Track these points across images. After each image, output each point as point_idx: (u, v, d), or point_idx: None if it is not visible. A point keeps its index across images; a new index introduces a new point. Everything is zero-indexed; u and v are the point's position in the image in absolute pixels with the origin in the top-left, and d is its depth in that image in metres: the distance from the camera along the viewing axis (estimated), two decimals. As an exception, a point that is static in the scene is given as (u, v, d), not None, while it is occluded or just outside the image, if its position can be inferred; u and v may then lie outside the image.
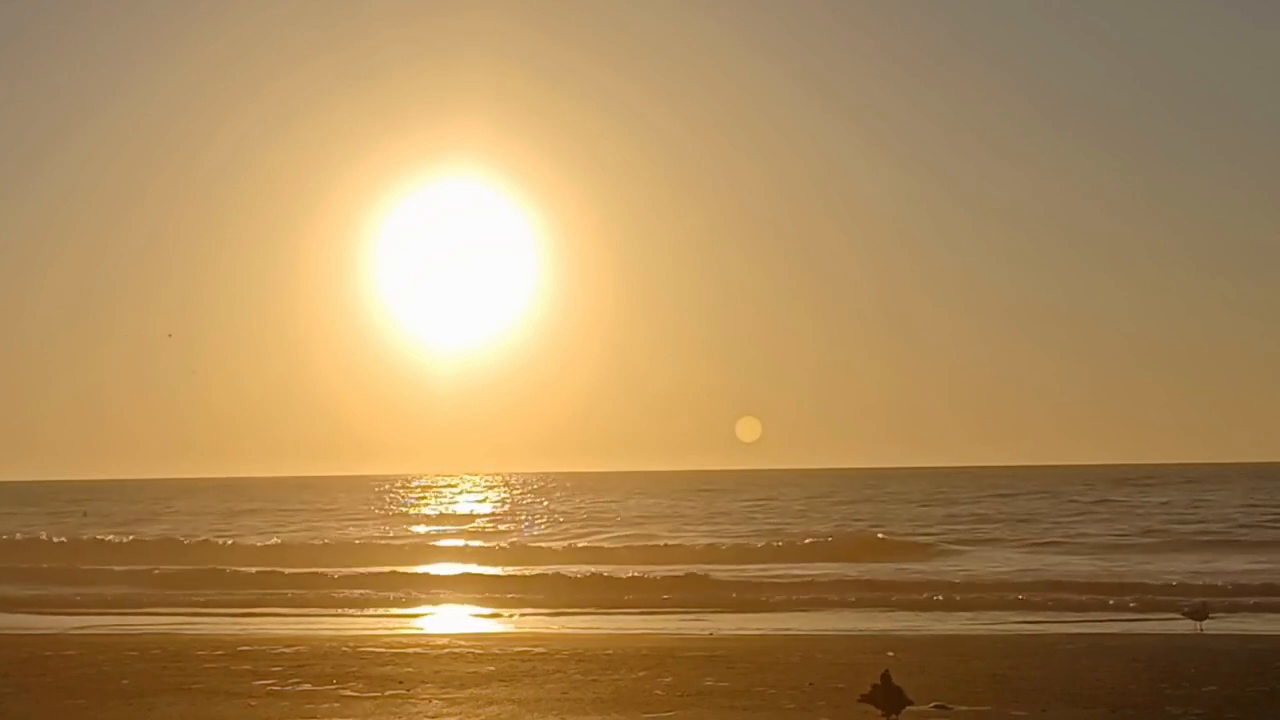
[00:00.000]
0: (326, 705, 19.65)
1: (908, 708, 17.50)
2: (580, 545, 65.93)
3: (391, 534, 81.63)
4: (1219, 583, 42.20)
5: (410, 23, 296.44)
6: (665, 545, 64.15)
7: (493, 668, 23.17)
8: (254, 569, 53.82)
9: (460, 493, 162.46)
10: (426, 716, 18.75)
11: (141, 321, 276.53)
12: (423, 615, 39.77)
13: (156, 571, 53.35)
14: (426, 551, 64.98)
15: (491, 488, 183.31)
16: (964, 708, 18.50)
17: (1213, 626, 31.03)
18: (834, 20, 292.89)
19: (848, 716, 17.62)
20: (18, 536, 69.04)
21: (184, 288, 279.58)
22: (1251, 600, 38.11)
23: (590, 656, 24.38)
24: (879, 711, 17.67)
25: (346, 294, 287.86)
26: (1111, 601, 38.48)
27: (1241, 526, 74.74)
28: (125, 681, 22.21)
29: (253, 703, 19.96)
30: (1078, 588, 42.29)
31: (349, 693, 20.75)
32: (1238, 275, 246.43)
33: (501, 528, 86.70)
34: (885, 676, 17.45)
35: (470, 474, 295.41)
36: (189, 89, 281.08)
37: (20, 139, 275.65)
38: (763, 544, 62.58)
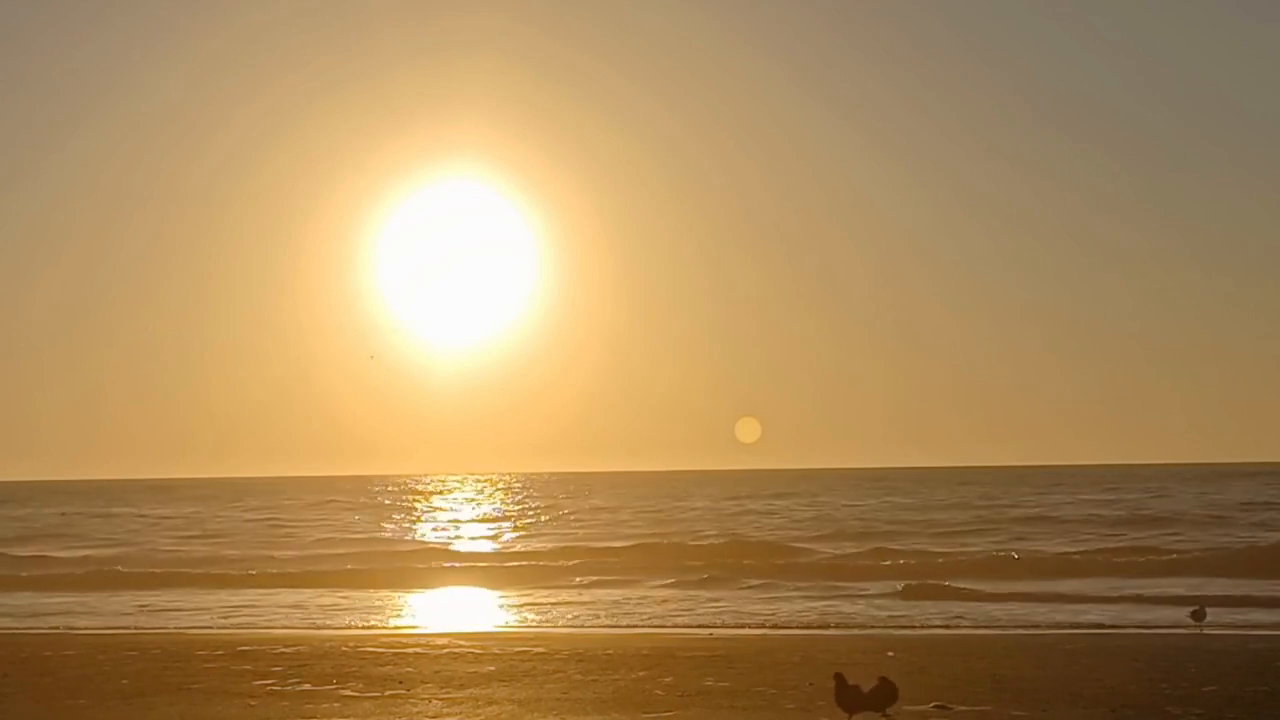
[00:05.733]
0: (326, 705, 19.65)
1: (889, 708, 17.61)
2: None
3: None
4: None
5: (410, 23, 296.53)
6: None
7: (493, 668, 23.17)
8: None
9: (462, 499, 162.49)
10: (426, 716, 18.75)
11: (141, 321, 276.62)
12: (423, 615, 39.76)
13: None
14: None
15: (497, 490, 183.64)
16: (964, 708, 18.51)
17: (1213, 626, 31.04)
18: (836, 20, 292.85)
19: (873, 718, 17.62)
20: None
21: (184, 288, 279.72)
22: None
23: (590, 656, 24.37)
24: (878, 711, 17.69)
25: (347, 294, 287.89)
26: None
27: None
28: (125, 681, 22.21)
29: (253, 703, 19.96)
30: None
31: (349, 693, 20.75)
32: (1242, 275, 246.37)
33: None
34: (840, 678, 17.62)
35: (470, 474, 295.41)
36: (189, 88, 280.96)
37: (20, 138, 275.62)
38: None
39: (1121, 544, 59.47)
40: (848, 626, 33.73)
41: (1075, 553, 55.60)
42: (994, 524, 77.84)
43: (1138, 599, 38.82)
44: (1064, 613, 35.81)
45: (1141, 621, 33.68)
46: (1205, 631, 30.13)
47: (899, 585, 42.29)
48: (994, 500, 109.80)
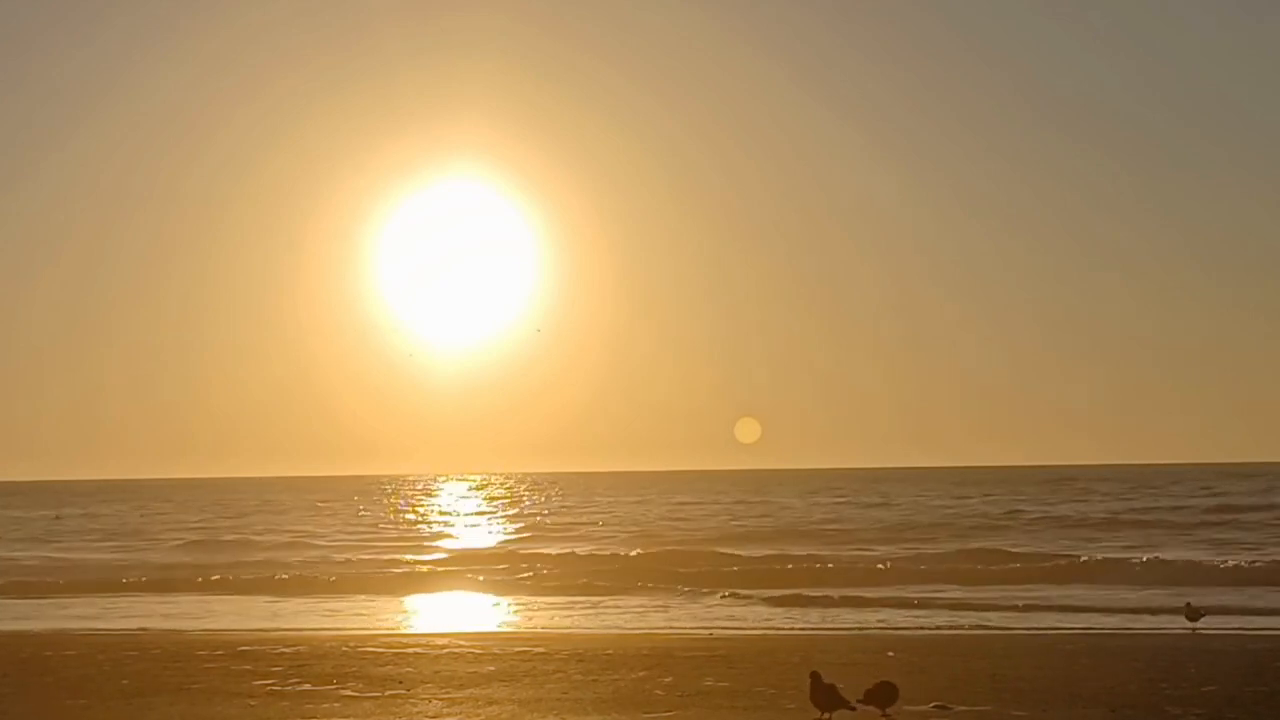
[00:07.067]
0: (326, 705, 19.65)
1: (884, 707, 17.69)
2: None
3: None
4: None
5: (410, 23, 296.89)
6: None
7: (493, 668, 23.17)
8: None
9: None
10: (426, 716, 18.75)
11: (141, 321, 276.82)
12: (423, 615, 39.77)
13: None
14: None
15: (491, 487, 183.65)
16: (964, 708, 18.51)
17: (1212, 627, 31.06)
18: (836, 20, 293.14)
19: (849, 717, 17.64)
20: None
21: (184, 288, 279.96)
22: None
23: (590, 656, 24.37)
24: (879, 711, 17.72)
25: (347, 294, 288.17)
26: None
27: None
28: (125, 681, 22.21)
29: (253, 703, 19.96)
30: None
31: (349, 693, 20.75)
32: (1242, 275, 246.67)
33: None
34: (815, 676, 17.73)
35: (470, 474, 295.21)
36: (189, 88, 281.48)
37: (20, 138, 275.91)
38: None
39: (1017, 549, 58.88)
40: (848, 626, 33.74)
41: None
42: (927, 526, 77.73)
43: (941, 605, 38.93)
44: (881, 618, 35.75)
45: (1137, 621, 33.74)
46: (1204, 632, 30.14)
47: (739, 592, 42.68)
48: (958, 501, 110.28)
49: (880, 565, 52.23)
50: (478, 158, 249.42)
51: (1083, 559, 52.29)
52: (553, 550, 63.82)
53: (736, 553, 59.72)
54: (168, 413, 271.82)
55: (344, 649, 26.25)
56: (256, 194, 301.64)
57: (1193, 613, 31.54)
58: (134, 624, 36.16)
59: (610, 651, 25.26)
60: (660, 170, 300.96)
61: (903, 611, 37.14)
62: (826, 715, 17.59)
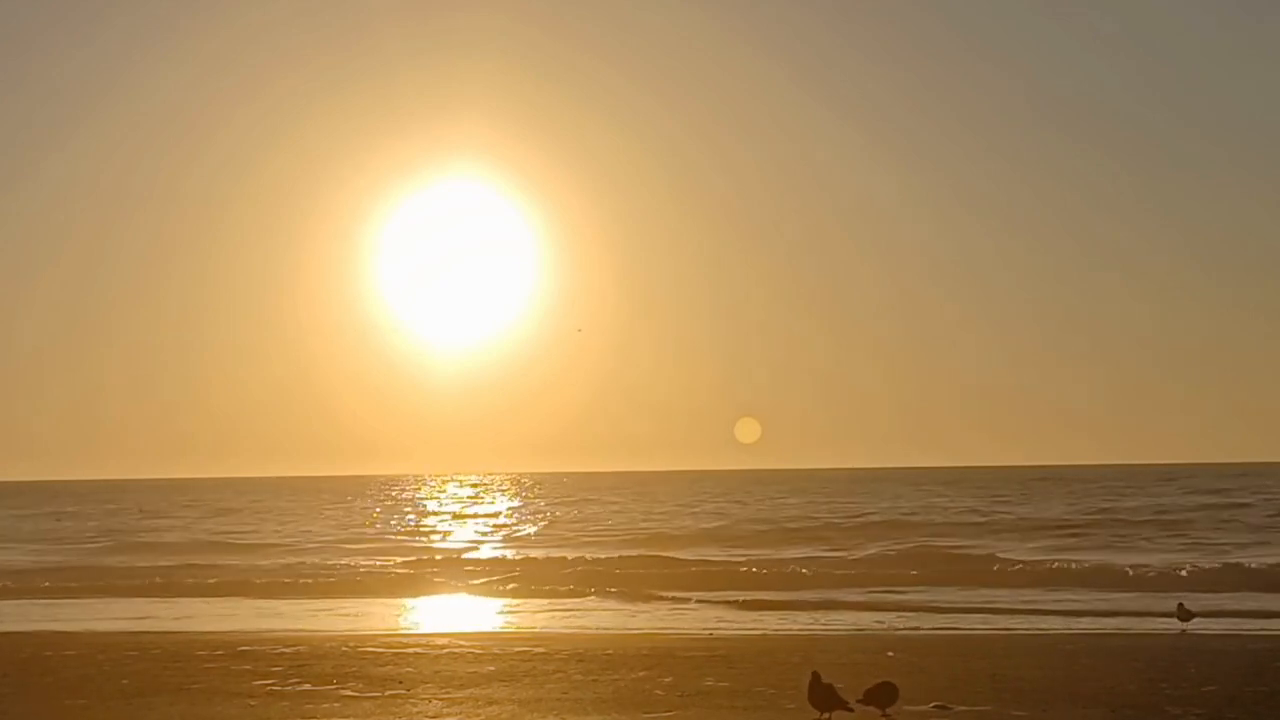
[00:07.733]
0: (326, 705, 19.65)
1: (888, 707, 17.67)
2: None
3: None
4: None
5: (410, 23, 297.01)
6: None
7: (493, 668, 23.17)
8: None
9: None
10: (426, 716, 18.75)
11: (141, 321, 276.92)
12: (422, 615, 39.75)
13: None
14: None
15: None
16: (964, 708, 18.51)
17: (1211, 627, 31.05)
18: (836, 20, 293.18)
19: (849, 717, 17.64)
20: None
21: (184, 288, 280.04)
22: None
23: (590, 656, 24.37)
24: (879, 711, 17.73)
25: (347, 294, 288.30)
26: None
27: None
28: (125, 681, 22.21)
29: (253, 703, 19.96)
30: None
31: (349, 693, 20.75)
32: (1242, 275, 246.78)
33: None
34: (815, 676, 17.77)
35: (471, 474, 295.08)
36: (189, 88, 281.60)
37: (20, 138, 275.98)
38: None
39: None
40: (848, 626, 33.76)
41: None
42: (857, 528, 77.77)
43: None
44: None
45: (1137, 622, 33.74)
46: (1204, 632, 30.12)
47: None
48: (940, 501, 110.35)
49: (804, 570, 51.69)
50: (478, 158, 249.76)
51: (1014, 564, 51.80)
52: (538, 553, 63.86)
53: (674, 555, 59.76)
54: (168, 413, 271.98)
55: (344, 649, 26.24)
56: (256, 194, 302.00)
57: (1184, 613, 31.53)
58: (134, 624, 36.17)
59: (610, 651, 25.25)
60: (660, 170, 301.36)
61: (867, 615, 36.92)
62: (825, 715, 17.60)
